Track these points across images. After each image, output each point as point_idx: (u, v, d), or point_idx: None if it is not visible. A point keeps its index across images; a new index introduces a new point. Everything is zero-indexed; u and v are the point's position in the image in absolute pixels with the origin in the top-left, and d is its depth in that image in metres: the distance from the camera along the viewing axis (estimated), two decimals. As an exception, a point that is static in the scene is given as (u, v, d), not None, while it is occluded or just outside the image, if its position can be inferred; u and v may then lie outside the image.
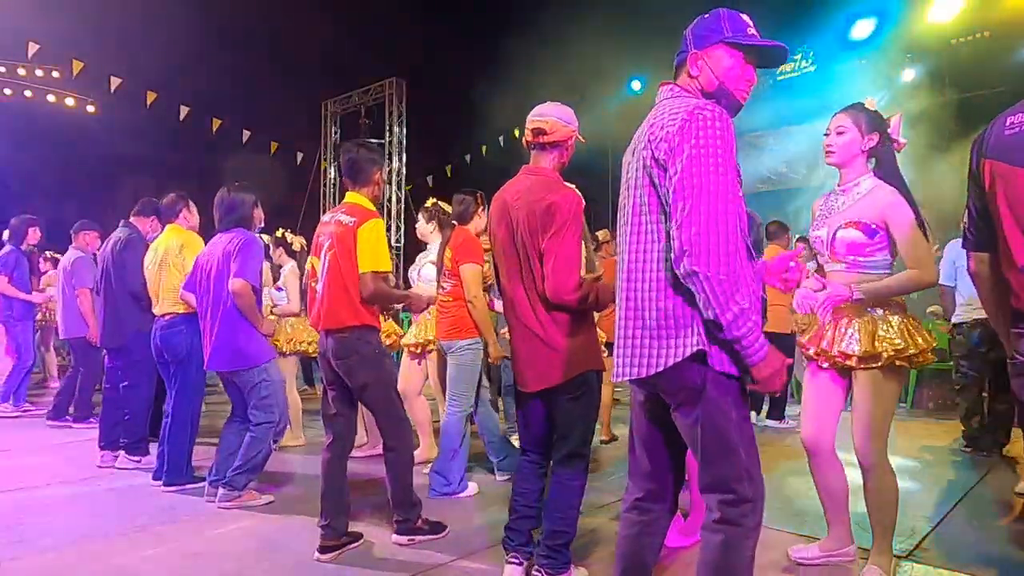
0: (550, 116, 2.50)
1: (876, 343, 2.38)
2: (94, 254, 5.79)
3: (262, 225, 3.79)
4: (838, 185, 2.58)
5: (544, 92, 2.54)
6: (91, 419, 5.68)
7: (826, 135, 2.55)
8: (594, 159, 9.15)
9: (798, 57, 9.26)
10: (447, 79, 11.51)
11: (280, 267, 4.90)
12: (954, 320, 4.71)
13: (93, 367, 5.76)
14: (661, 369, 1.67)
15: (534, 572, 2.45)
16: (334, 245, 2.88)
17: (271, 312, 4.69)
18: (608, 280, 2.49)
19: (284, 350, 4.78)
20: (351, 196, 3.02)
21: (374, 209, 3.03)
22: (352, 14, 11.33)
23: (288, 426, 4.43)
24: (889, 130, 2.50)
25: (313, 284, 3.01)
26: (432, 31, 11.44)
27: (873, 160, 2.52)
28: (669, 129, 1.64)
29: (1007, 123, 1.52)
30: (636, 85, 11.27)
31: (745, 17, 1.77)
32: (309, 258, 3.08)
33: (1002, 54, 8.35)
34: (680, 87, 1.80)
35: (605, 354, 3.00)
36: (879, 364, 2.38)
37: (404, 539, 2.92)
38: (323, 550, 2.78)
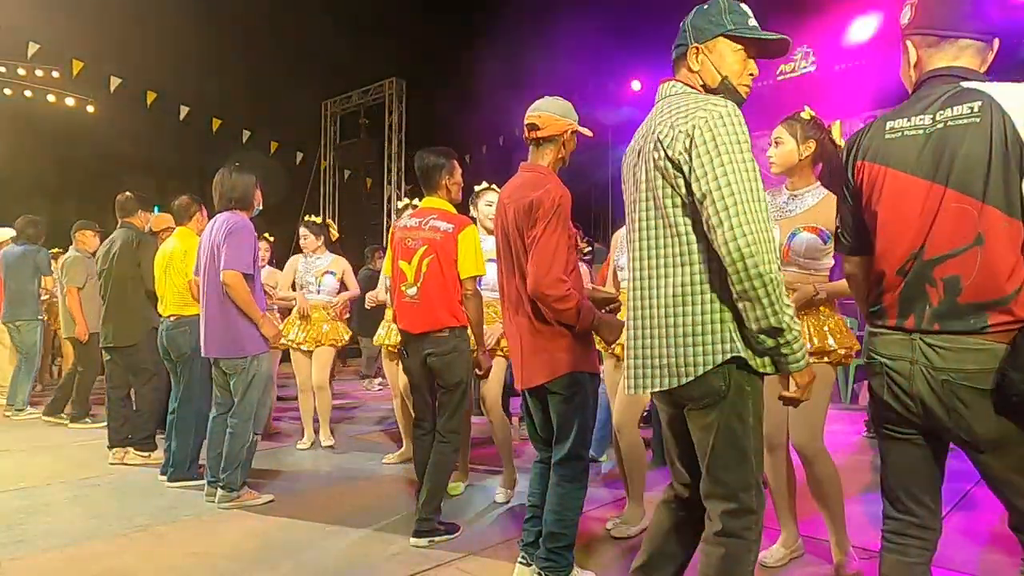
0: (542, 110, 2.45)
1: (827, 339, 2.44)
2: (92, 253, 5.81)
3: (260, 207, 3.79)
4: (786, 188, 2.61)
5: (544, 92, 2.52)
6: (87, 419, 5.69)
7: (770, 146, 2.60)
8: (592, 161, 9.13)
9: (798, 57, 9.24)
10: (447, 79, 11.48)
11: None
12: None
13: (92, 366, 5.77)
14: (693, 378, 1.59)
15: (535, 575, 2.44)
16: (434, 251, 2.95)
17: None
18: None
19: None
20: (432, 201, 3.09)
21: (456, 213, 3.11)
22: (352, 14, 11.31)
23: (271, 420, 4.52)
24: (832, 136, 2.55)
25: (404, 287, 3.02)
26: (431, 31, 11.42)
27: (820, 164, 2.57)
28: (682, 128, 1.56)
29: (887, 127, 1.57)
30: (636, 85, 11.25)
31: (745, 7, 1.71)
32: (396, 263, 3.13)
33: (1002, 54, 8.34)
34: (682, 83, 1.73)
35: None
36: (828, 360, 2.44)
37: (424, 541, 2.93)
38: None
